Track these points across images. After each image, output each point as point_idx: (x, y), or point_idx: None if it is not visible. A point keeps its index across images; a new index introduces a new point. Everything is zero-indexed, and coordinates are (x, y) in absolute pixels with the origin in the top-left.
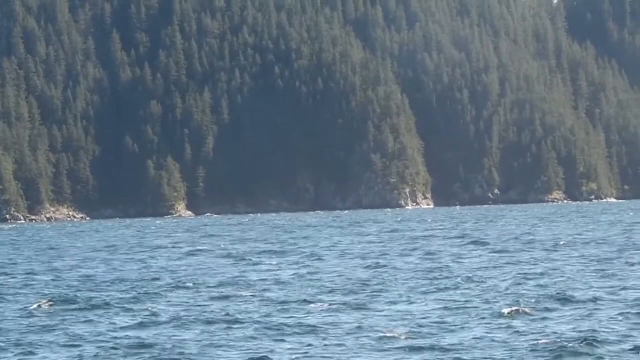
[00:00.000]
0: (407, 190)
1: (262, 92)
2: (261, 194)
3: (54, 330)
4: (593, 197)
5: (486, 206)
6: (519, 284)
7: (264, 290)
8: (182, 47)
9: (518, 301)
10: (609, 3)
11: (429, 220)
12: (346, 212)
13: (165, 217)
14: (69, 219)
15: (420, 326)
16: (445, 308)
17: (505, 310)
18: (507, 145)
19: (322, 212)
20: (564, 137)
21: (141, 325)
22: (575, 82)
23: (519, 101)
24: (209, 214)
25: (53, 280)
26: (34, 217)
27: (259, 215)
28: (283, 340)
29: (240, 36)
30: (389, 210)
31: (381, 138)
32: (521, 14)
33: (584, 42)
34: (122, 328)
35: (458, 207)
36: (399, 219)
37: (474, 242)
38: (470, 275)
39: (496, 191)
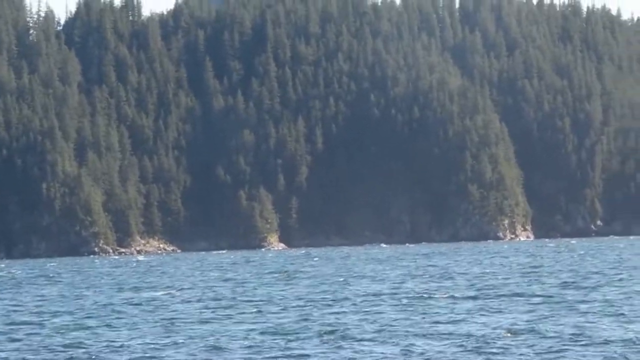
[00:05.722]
0: (506, 221)
1: (357, 121)
2: (355, 226)
3: None
4: None
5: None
6: None
7: None
8: (275, 74)
9: None
10: None
11: None
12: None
13: (257, 249)
14: (159, 252)
15: None
16: None
17: None
18: (610, 175)
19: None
20: None
21: None
22: None
23: (623, 129)
24: (303, 248)
25: None
26: (123, 250)
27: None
28: None
29: (335, 63)
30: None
31: (479, 168)
32: (626, 39)
33: None
34: None
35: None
36: None
37: None
38: None
39: (599, 222)
